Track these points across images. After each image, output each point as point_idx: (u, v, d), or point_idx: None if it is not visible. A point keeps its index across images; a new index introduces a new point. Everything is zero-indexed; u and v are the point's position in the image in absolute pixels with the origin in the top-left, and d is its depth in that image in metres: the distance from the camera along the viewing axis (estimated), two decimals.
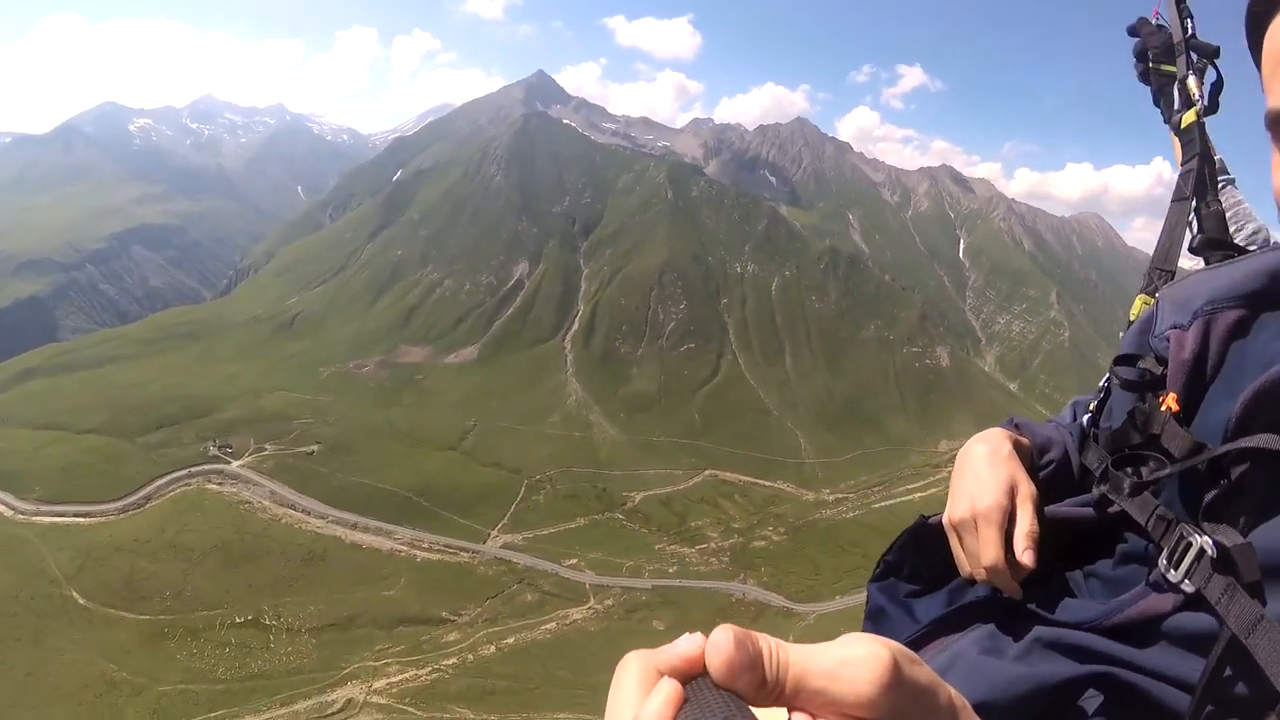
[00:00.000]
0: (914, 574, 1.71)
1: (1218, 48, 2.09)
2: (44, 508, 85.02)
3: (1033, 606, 1.41)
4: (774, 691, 0.62)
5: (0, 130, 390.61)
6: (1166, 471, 1.25)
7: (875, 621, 1.67)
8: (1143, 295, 1.78)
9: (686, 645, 0.64)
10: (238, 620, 70.28)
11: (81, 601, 70.18)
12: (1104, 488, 1.38)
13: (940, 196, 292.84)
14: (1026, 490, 1.48)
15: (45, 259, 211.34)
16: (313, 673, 65.19)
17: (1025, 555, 1.39)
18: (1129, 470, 1.34)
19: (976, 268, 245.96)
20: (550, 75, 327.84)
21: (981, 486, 1.48)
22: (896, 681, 0.62)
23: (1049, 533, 1.45)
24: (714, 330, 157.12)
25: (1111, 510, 1.38)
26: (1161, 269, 1.81)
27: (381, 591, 76.79)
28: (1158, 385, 1.37)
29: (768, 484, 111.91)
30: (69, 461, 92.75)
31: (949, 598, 1.63)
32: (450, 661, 68.58)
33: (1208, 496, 1.18)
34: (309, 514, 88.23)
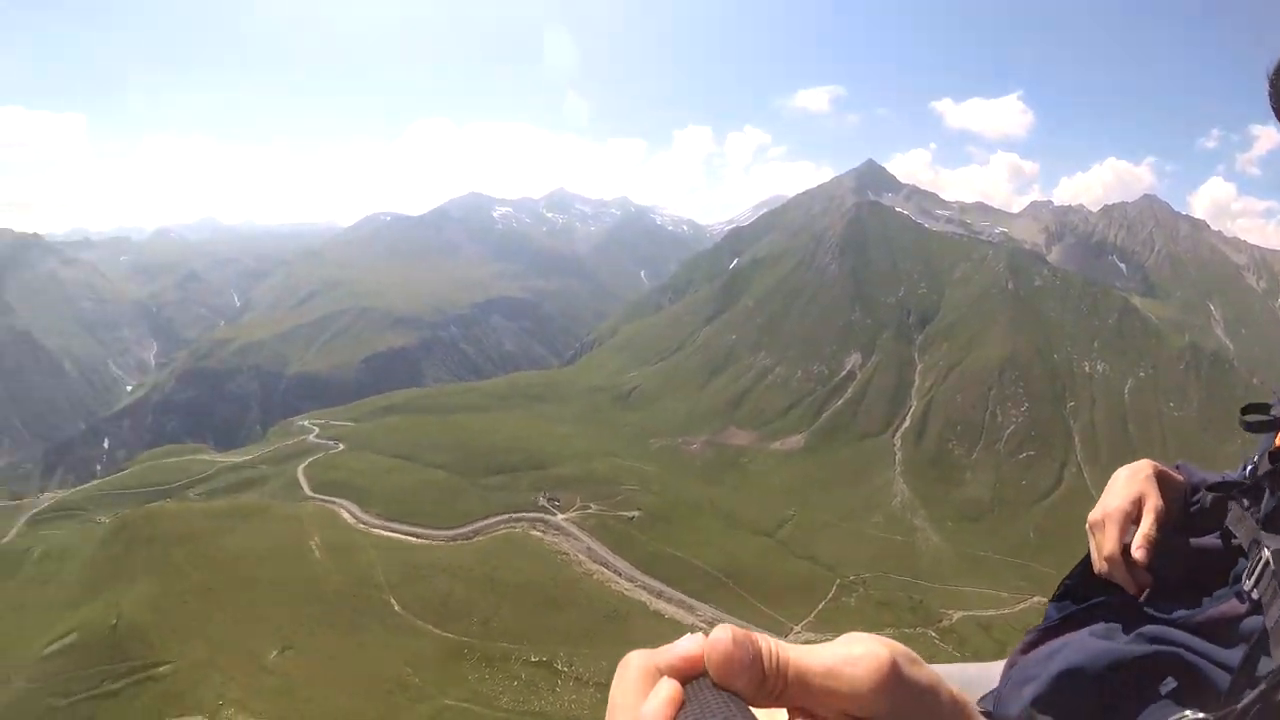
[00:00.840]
0: (1085, 596, 1.89)
1: None
2: (382, 523, 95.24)
3: (1148, 610, 1.60)
4: (774, 691, 0.63)
5: (381, 211, 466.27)
6: (1243, 484, 1.49)
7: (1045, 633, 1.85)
8: None
9: (687, 645, 0.64)
10: (532, 658, 72.35)
11: (397, 608, 76.23)
12: (1210, 495, 1.60)
13: None
14: (1153, 503, 1.71)
15: (416, 318, 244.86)
16: None
17: (1138, 551, 1.62)
18: (1245, 502, 1.55)
19: None
20: (879, 164, 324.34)
21: (1114, 495, 1.77)
22: (896, 681, 0.62)
23: (1186, 557, 1.65)
24: (1057, 436, 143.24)
25: (1234, 542, 1.56)
26: None
27: None
28: (1275, 426, 1.59)
29: None
30: (412, 488, 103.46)
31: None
32: None
33: (1268, 508, 1.39)
34: (619, 574, 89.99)
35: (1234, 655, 1.34)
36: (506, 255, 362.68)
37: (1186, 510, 1.76)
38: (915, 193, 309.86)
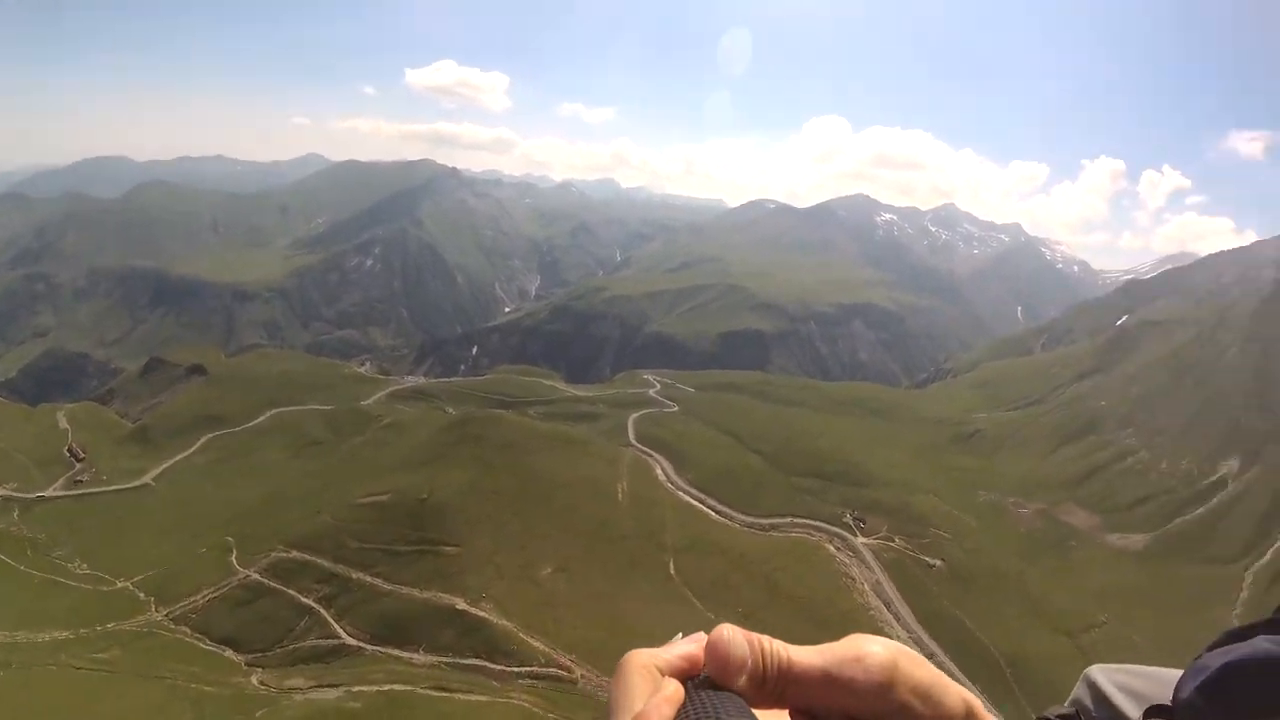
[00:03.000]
0: None
1: None
2: (689, 489, 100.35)
3: None
4: (774, 691, 0.66)
5: (765, 198, 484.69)
6: None
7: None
8: None
9: (687, 645, 0.67)
10: None
11: (672, 571, 79.83)
12: None
13: None
14: None
15: (779, 307, 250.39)
16: None
17: None
18: None
19: None
20: None
21: None
22: (897, 681, 0.66)
23: None
24: None
25: None
26: None
27: None
28: None
29: None
30: (727, 465, 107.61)
31: None
32: None
33: None
34: (897, 619, 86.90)
35: None
36: (882, 263, 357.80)
37: None
38: None
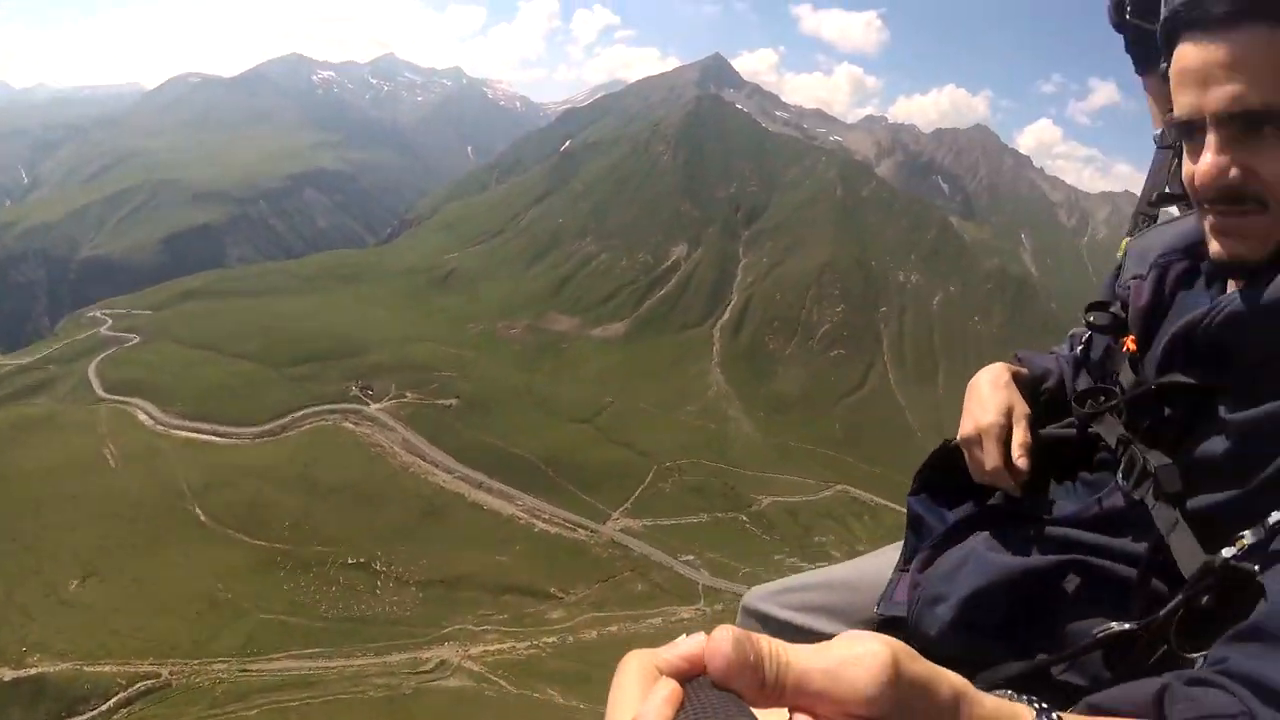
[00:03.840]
0: (943, 488, 1.95)
1: None
2: (183, 423, 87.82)
3: (1038, 510, 1.66)
4: (775, 692, 0.63)
5: (187, 71, 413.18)
6: (1114, 403, 1.55)
7: (915, 529, 1.93)
8: (1127, 238, 1.98)
9: (687, 645, 0.64)
10: (349, 561, 69.87)
11: (203, 519, 71.57)
12: (1084, 408, 1.64)
13: (1121, 225, 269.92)
14: (1021, 410, 1.77)
15: (222, 192, 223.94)
16: (412, 626, 64.09)
17: (1020, 461, 1.68)
18: (1101, 399, 1.60)
19: None
20: (726, 59, 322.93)
21: (984, 408, 1.77)
22: (897, 678, 0.63)
23: (1046, 450, 1.73)
24: (868, 339, 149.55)
25: (1090, 429, 1.64)
26: (1144, 213, 2.02)
27: (495, 556, 74.88)
28: (1122, 328, 1.63)
29: (900, 509, 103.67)
30: (215, 382, 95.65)
31: (973, 507, 1.84)
32: (550, 640, 65.94)
33: (1145, 423, 1.47)
34: (436, 466, 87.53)
35: (1126, 545, 1.43)
36: (325, 124, 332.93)
37: (1036, 401, 1.85)
38: (757, 92, 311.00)
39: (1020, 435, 1.71)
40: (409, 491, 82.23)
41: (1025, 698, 0.80)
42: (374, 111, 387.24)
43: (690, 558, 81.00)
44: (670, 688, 0.68)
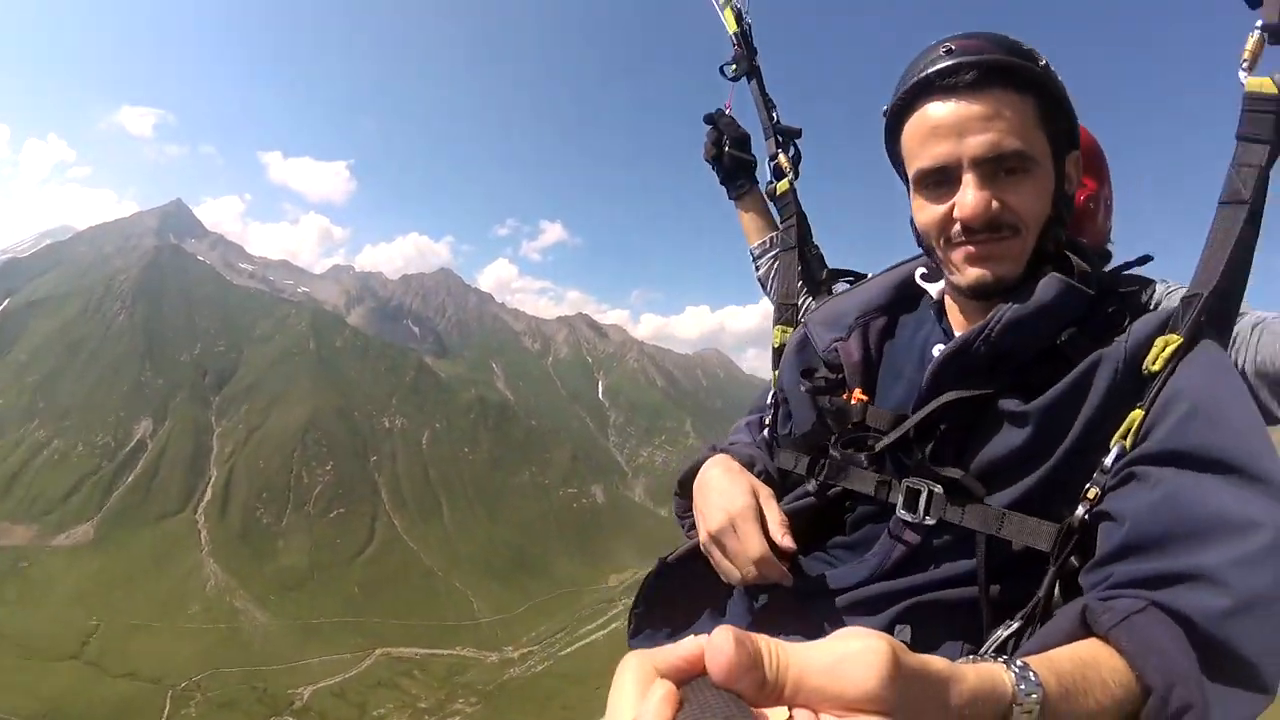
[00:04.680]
0: (667, 617, 1.85)
1: (800, 129, 2.54)
2: None
3: (817, 587, 1.64)
4: (774, 692, 0.63)
5: None
6: (887, 440, 1.56)
7: None
8: (778, 327, 2.12)
9: (687, 646, 0.64)
10: None
11: None
12: (821, 476, 1.67)
13: (578, 343, 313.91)
14: (766, 490, 1.70)
15: None
16: None
17: (786, 539, 1.59)
18: (837, 455, 1.64)
19: (616, 407, 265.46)
20: (189, 205, 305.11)
21: (730, 495, 1.66)
22: (896, 672, 0.64)
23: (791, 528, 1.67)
24: (365, 491, 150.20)
25: (831, 493, 1.67)
26: (785, 304, 2.17)
27: None
28: (839, 387, 1.71)
29: (447, 652, 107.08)
30: None
31: (714, 622, 1.74)
32: None
33: (918, 454, 1.52)
34: None
35: (945, 571, 1.49)
36: None
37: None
38: (221, 241, 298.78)
39: (776, 514, 1.63)
40: None
41: (1000, 659, 0.87)
42: None
43: None
44: (669, 688, 0.64)
